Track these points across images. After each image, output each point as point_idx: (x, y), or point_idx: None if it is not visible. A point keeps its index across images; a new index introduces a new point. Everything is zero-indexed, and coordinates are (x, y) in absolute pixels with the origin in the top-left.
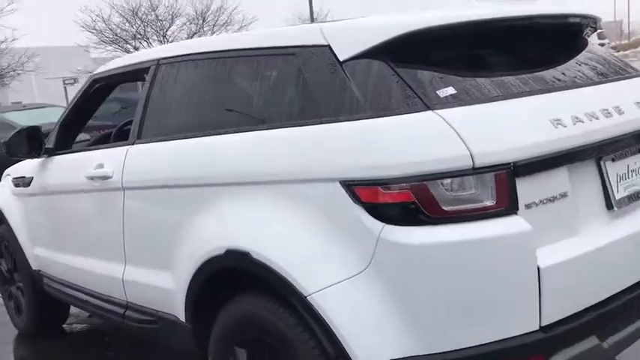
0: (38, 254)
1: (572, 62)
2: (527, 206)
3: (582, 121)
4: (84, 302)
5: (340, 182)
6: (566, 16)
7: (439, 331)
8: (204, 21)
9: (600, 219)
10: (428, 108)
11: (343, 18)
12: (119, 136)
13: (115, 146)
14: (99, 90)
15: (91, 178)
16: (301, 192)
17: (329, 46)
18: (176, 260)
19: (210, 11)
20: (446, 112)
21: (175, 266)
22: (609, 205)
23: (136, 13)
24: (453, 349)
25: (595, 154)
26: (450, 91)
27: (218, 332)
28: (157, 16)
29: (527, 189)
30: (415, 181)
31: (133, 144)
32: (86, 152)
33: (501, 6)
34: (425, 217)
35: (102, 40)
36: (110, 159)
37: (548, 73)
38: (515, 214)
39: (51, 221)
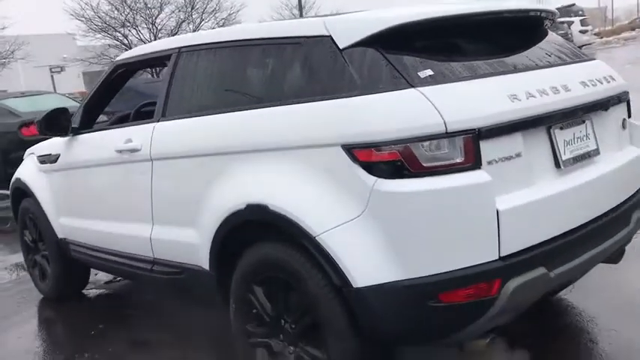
0: (64, 223)
1: (530, 49)
2: (489, 163)
3: (534, 96)
4: (110, 262)
5: (341, 146)
6: (525, 11)
7: (419, 260)
8: (192, 8)
9: (550, 175)
10: (411, 86)
11: (326, 7)
12: (136, 116)
13: (142, 123)
14: (120, 75)
15: (120, 152)
16: (309, 155)
17: (330, 37)
18: (200, 218)
19: None
20: (425, 89)
21: (200, 223)
22: (557, 165)
23: (125, 1)
24: (430, 274)
25: (545, 123)
26: (429, 72)
27: (240, 275)
28: (145, 3)
29: (488, 149)
30: (401, 144)
31: (158, 121)
32: (113, 130)
33: (473, 3)
34: (409, 171)
35: (91, 28)
36: (138, 134)
37: (509, 58)
38: (479, 168)
39: (78, 192)
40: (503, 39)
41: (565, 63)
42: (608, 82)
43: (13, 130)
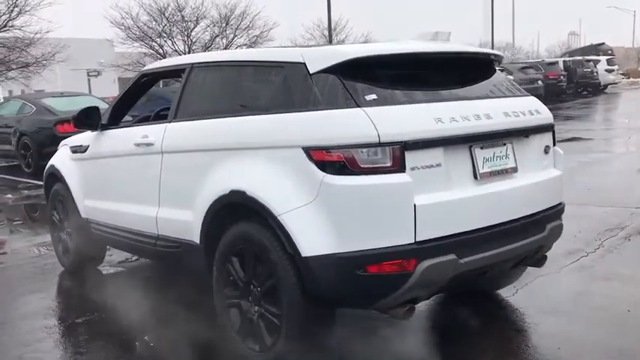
0: (88, 205)
1: (468, 83)
2: (412, 168)
3: (457, 121)
4: (123, 238)
5: (302, 148)
6: (462, 53)
7: (352, 237)
8: (227, 24)
9: (468, 183)
10: (358, 106)
11: (357, 30)
12: (156, 118)
13: (157, 123)
14: (145, 82)
15: (138, 145)
16: (278, 154)
17: (304, 64)
18: (195, 201)
19: (233, 15)
20: (367, 109)
21: (195, 205)
22: (475, 176)
23: (164, 13)
24: (359, 249)
25: (466, 142)
26: (374, 96)
27: (222, 247)
28: (182, 16)
29: (412, 158)
30: (345, 149)
31: (170, 122)
32: (134, 127)
33: (420, 43)
34: (349, 170)
35: (129, 37)
36: (153, 132)
37: (445, 90)
38: (403, 172)
39: (101, 178)
40: (442, 74)
41: (497, 96)
42: (532, 114)
43: (49, 126)
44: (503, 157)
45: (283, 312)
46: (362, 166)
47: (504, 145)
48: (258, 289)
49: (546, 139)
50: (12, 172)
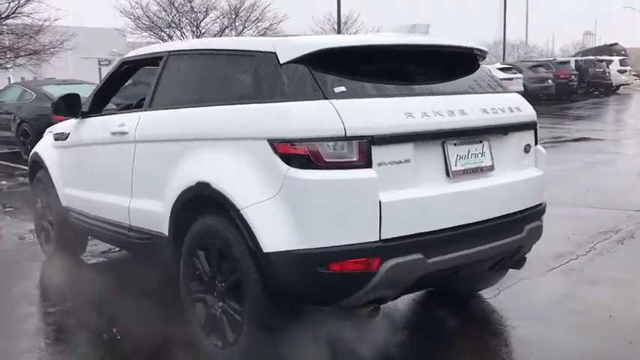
0: (68, 193)
1: (444, 78)
2: (379, 164)
3: (428, 116)
4: (99, 228)
5: (267, 140)
6: (438, 46)
7: (315, 234)
8: (236, 16)
9: (439, 180)
10: (325, 98)
11: (368, 24)
12: (138, 106)
13: (133, 112)
14: (126, 70)
15: (114, 134)
16: (244, 146)
17: (275, 53)
18: (165, 191)
19: (243, 7)
20: (335, 102)
21: (164, 196)
22: (447, 173)
23: (173, 3)
24: (322, 246)
25: (439, 138)
26: (343, 88)
27: (188, 241)
28: (192, 7)
29: (379, 153)
30: (309, 142)
31: (145, 111)
32: (112, 115)
33: (395, 35)
34: (314, 164)
35: (138, 26)
36: (128, 120)
37: (419, 84)
38: (370, 167)
39: (80, 166)
40: (417, 68)
41: (476, 92)
42: (512, 111)
43: (48, 113)
44: (479, 155)
45: (245, 308)
46: (327, 160)
47: (480, 142)
48: (222, 284)
49: (527, 137)
50: (11, 159)
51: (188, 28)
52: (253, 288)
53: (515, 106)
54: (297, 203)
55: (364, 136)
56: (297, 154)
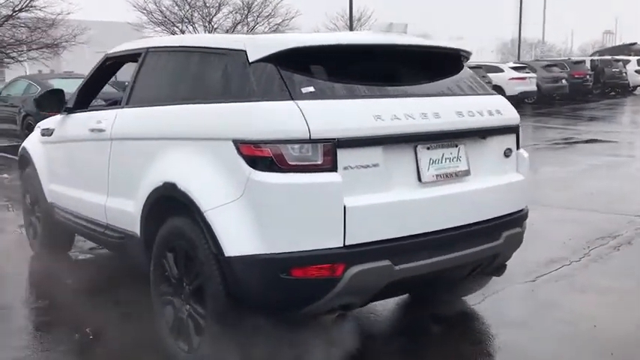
0: (52, 189)
1: (420, 79)
2: (345, 168)
3: (399, 119)
4: (78, 225)
5: (232, 141)
6: (409, 46)
7: (278, 238)
8: (249, 11)
9: (410, 185)
10: (292, 99)
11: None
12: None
13: (111, 109)
14: (110, 66)
15: (92, 130)
16: (210, 146)
17: (245, 51)
18: (137, 191)
19: (256, 2)
20: (301, 102)
21: (136, 195)
22: (419, 178)
23: None
24: (284, 251)
25: (411, 141)
26: (311, 89)
27: (158, 241)
28: (204, 2)
29: (345, 157)
30: (273, 144)
31: (122, 108)
32: (92, 112)
33: (368, 34)
34: (277, 166)
35: (151, 21)
36: (106, 117)
37: (391, 86)
38: (335, 171)
39: (62, 162)
40: (390, 69)
41: (454, 94)
42: (492, 114)
43: None
44: (454, 160)
45: (208, 313)
46: (290, 163)
47: (456, 146)
48: (189, 287)
49: (508, 141)
50: (15, 152)
51: (200, 23)
52: (216, 293)
53: (495, 109)
54: (260, 207)
55: (329, 139)
56: (261, 156)
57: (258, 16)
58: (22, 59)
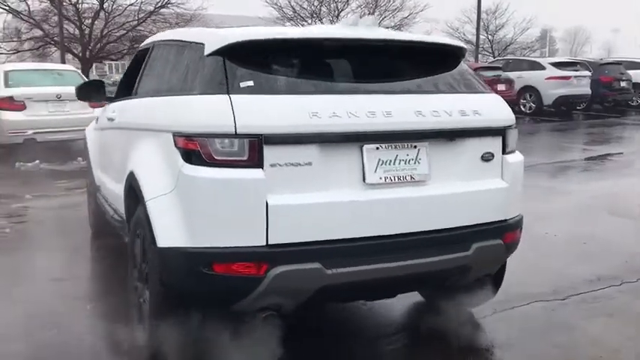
0: (96, 174)
1: (379, 76)
2: (272, 165)
3: (339, 117)
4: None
5: (172, 133)
6: (365, 40)
7: (201, 232)
8: (376, 6)
9: (353, 186)
10: (227, 93)
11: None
12: None
13: (124, 99)
14: (141, 57)
15: (109, 120)
16: (158, 137)
17: (203, 45)
18: (122, 179)
19: None
20: (234, 97)
21: (122, 183)
22: (364, 179)
23: None
24: (207, 245)
25: (356, 140)
26: (249, 83)
27: (131, 227)
28: None
29: (273, 154)
30: (201, 137)
31: (129, 99)
32: (117, 102)
33: (322, 28)
34: (203, 160)
35: (282, 16)
36: (117, 107)
37: (339, 83)
38: (260, 168)
39: (99, 149)
40: (345, 64)
41: (418, 92)
42: (465, 115)
43: None
44: (412, 162)
45: (149, 299)
46: (216, 157)
47: (415, 147)
48: (145, 273)
49: (488, 144)
50: None
51: (328, 17)
52: (154, 281)
53: (472, 109)
54: (187, 200)
55: (255, 135)
56: (192, 149)
57: (385, 10)
58: None
